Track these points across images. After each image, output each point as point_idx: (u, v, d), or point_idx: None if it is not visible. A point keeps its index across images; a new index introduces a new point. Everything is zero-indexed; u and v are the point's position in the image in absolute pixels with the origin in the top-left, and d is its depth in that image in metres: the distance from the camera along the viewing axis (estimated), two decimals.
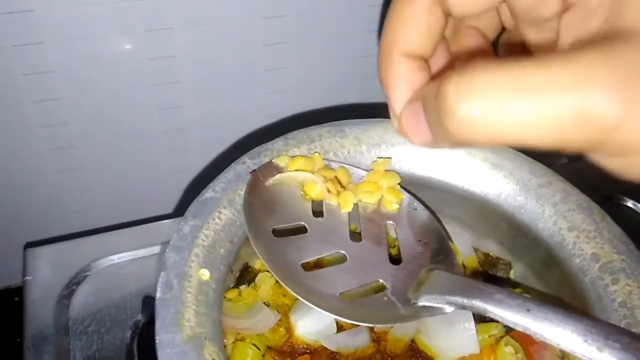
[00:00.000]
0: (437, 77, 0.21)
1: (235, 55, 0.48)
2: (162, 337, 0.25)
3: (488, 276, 0.38)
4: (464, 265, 0.40)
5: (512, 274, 0.38)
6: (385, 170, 0.35)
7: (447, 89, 0.18)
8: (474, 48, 0.27)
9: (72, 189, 0.51)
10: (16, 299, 0.55)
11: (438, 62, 0.26)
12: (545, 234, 0.33)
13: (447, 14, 0.23)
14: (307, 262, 0.30)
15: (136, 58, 0.45)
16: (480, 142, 0.19)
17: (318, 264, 0.32)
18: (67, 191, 0.51)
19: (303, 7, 0.47)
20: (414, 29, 0.23)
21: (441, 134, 0.19)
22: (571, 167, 0.59)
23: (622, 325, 0.28)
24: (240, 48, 0.47)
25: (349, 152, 0.35)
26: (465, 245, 0.40)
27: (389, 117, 0.28)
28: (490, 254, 0.38)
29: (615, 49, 0.17)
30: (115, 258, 0.46)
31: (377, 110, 0.37)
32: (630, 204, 0.54)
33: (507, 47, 0.28)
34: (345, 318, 0.29)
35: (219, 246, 0.30)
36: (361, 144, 0.35)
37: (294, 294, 0.28)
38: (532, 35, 0.25)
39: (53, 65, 0.43)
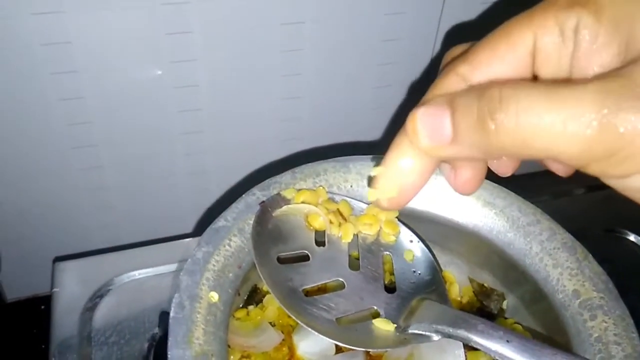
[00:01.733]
0: None
1: (254, 83, 0.51)
2: (174, 353, 0.28)
3: (482, 306, 0.41)
4: (460, 295, 0.42)
5: (504, 305, 0.40)
6: (391, 222, 0.37)
7: (492, 94, 0.20)
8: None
9: (98, 207, 0.55)
10: (42, 307, 0.58)
11: None
12: (532, 270, 0.35)
13: None
14: (308, 288, 0.33)
15: (162, 86, 0.49)
16: (511, 149, 0.20)
17: (319, 290, 0.34)
18: (94, 209, 0.55)
19: (319, 38, 0.50)
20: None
21: (473, 138, 0.21)
22: (577, 201, 0.61)
23: (597, 359, 0.30)
24: (258, 79, 0.51)
25: (351, 186, 0.38)
26: (461, 275, 0.42)
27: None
28: (485, 284, 0.41)
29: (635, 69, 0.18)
30: (137, 274, 0.49)
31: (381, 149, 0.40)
32: (632, 237, 0.56)
33: None
34: (340, 342, 0.31)
35: (228, 271, 0.33)
36: (363, 178, 0.38)
37: (293, 317, 0.31)
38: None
39: (86, 92, 0.47)
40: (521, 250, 0.36)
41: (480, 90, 0.21)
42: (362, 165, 0.38)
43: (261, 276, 0.32)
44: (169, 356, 0.28)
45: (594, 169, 0.19)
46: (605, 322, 0.31)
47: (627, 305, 0.33)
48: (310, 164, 0.38)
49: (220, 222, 0.34)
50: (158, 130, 0.52)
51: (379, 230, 0.37)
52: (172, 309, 0.30)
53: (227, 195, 0.57)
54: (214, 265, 0.32)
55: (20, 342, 0.57)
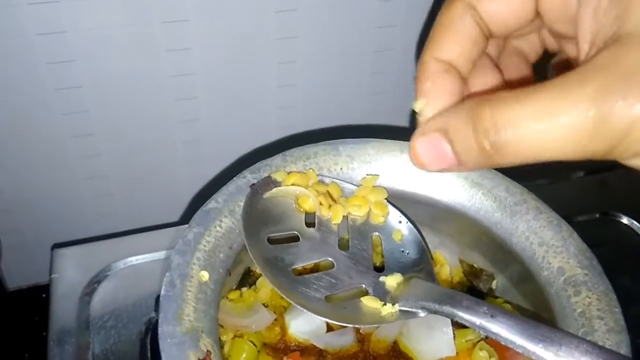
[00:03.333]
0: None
1: (249, 73, 0.52)
2: (164, 329, 0.29)
3: (472, 286, 0.41)
4: (451, 276, 0.43)
5: (494, 285, 0.41)
6: (374, 186, 0.38)
7: (484, 117, 0.21)
8: (514, 72, 0.29)
9: (97, 195, 0.56)
10: (44, 295, 0.59)
11: (485, 81, 0.28)
12: (519, 248, 0.36)
13: (488, 34, 0.25)
14: (298, 268, 0.34)
15: (158, 75, 0.49)
16: (514, 161, 0.21)
17: (309, 270, 0.35)
18: (93, 197, 0.56)
19: (314, 25, 0.50)
20: (446, 36, 0.25)
21: (475, 159, 0.22)
22: (572, 184, 0.61)
23: (579, 333, 0.31)
24: (253, 66, 0.51)
25: (341, 169, 0.39)
26: (452, 256, 0.43)
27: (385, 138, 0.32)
28: (475, 265, 0.41)
29: (619, 54, 0.19)
30: (134, 260, 0.50)
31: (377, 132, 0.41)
32: (625, 220, 0.56)
33: (557, 69, 0.30)
34: (329, 319, 0.32)
35: (219, 251, 0.33)
36: (353, 161, 0.39)
37: (283, 295, 0.32)
38: (573, 51, 0.26)
39: (82, 81, 0.48)
40: (508, 230, 0.36)
41: (471, 111, 0.21)
42: (352, 148, 0.39)
43: (251, 256, 0.33)
44: (159, 332, 0.29)
45: (598, 158, 0.20)
46: (589, 298, 0.32)
47: (619, 286, 0.33)
48: (300, 147, 0.38)
49: (211, 204, 0.35)
50: (155, 119, 0.52)
51: (369, 212, 0.37)
52: (163, 287, 0.31)
53: (219, 179, 0.57)
54: (204, 246, 0.33)
55: (21, 330, 0.58)
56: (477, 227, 0.38)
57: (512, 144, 0.20)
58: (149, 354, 0.44)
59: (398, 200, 0.40)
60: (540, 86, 0.20)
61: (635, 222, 0.56)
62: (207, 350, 0.29)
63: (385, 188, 0.38)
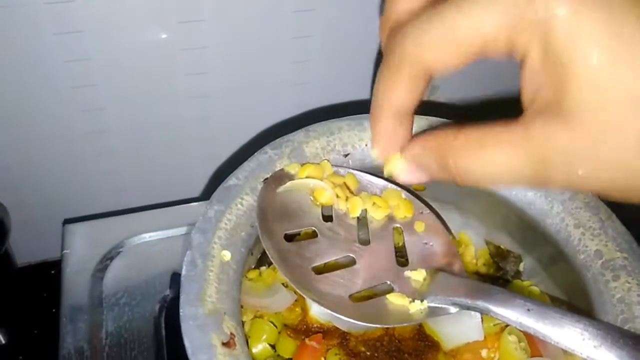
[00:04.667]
0: None
1: (263, 47, 0.50)
2: (186, 310, 0.28)
3: (498, 268, 0.40)
4: (476, 257, 0.41)
5: (521, 267, 0.39)
6: (402, 200, 0.36)
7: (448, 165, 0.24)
8: None
9: (106, 171, 0.54)
10: (52, 272, 0.58)
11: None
12: (553, 230, 0.34)
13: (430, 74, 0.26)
14: (318, 266, 0.32)
15: (169, 48, 0.47)
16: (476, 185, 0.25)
17: (328, 267, 0.33)
18: (102, 173, 0.55)
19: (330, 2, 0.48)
20: (400, 93, 0.26)
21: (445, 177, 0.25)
22: None
23: (618, 321, 0.29)
24: (268, 40, 0.49)
25: (366, 145, 0.37)
26: (478, 237, 0.41)
27: None
28: (502, 246, 0.40)
29: (555, 132, 0.21)
30: (147, 236, 0.49)
31: None
32: None
33: None
34: (354, 319, 0.30)
35: (240, 230, 0.32)
36: None
37: (305, 296, 0.30)
38: None
39: (91, 53, 0.46)
40: (542, 210, 0.35)
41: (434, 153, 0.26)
42: None
43: (269, 255, 0.31)
44: (181, 314, 0.28)
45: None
46: (629, 283, 0.30)
47: None
48: (324, 122, 0.37)
49: (231, 180, 0.33)
50: (165, 94, 0.51)
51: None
52: (184, 267, 0.29)
53: (237, 156, 0.56)
54: (225, 224, 0.31)
55: (31, 306, 0.58)
56: (506, 207, 0.37)
57: (474, 179, 0.24)
58: (163, 332, 0.44)
59: None
60: (490, 133, 0.23)
61: None
62: (231, 333, 0.28)
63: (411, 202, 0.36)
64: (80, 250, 0.47)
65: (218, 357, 0.26)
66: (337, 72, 0.54)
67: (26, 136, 0.50)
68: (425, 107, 0.29)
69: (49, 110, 0.48)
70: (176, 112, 0.52)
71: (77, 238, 0.48)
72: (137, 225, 0.49)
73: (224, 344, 0.27)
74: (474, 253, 0.41)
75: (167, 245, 0.49)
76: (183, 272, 0.29)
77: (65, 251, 0.47)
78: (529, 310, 0.28)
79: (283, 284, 0.38)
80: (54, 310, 0.46)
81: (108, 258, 0.47)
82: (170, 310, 0.45)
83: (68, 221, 0.50)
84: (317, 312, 0.36)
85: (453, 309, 0.31)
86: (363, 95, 0.55)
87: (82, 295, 0.45)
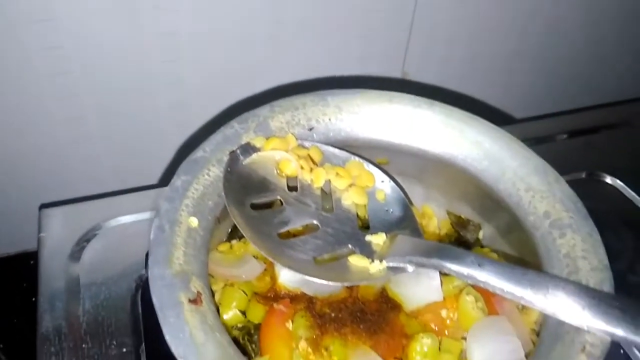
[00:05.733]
0: None
1: (235, 26, 0.50)
2: (154, 271, 0.29)
3: (459, 237, 0.42)
4: (439, 228, 0.43)
5: (480, 235, 0.41)
6: (364, 170, 0.38)
7: None
8: None
9: (83, 157, 0.55)
10: (32, 262, 0.59)
11: None
12: (505, 195, 0.36)
13: None
14: (284, 232, 0.34)
15: (143, 33, 0.48)
16: None
17: (294, 234, 0.35)
18: (79, 160, 0.56)
19: None
20: None
21: None
22: (559, 145, 0.62)
23: (564, 274, 0.31)
24: (240, 20, 0.50)
25: (330, 119, 0.39)
26: (440, 209, 0.43)
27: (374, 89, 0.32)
28: (462, 216, 0.42)
29: None
30: (123, 219, 0.50)
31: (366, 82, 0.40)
32: (609, 180, 0.57)
33: None
34: (318, 278, 0.32)
35: (207, 199, 0.33)
36: (342, 112, 0.39)
37: (271, 259, 0.32)
38: None
39: (66, 41, 0.47)
40: (495, 177, 0.37)
41: None
42: (340, 99, 0.39)
43: (236, 223, 0.33)
44: (149, 275, 0.29)
45: None
46: (574, 239, 0.32)
47: (604, 243, 0.33)
48: (288, 97, 0.38)
49: (198, 153, 0.35)
50: (140, 79, 0.52)
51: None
52: (152, 232, 0.31)
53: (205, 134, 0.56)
54: (192, 193, 0.33)
55: (10, 296, 0.58)
56: (464, 177, 0.39)
57: None
58: (140, 309, 0.45)
59: (386, 151, 0.40)
60: None
61: (618, 182, 0.57)
62: (198, 292, 0.29)
63: (372, 172, 0.38)
64: (57, 233, 0.48)
65: (185, 313, 0.28)
66: (312, 48, 0.55)
67: (2, 124, 0.50)
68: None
69: (25, 98, 0.49)
70: (152, 98, 0.53)
71: (53, 221, 0.49)
72: (113, 209, 0.50)
73: (191, 301, 0.28)
74: (437, 224, 0.43)
75: (142, 227, 0.50)
76: (151, 237, 0.30)
77: (41, 234, 0.48)
78: (479, 265, 0.30)
79: (254, 256, 0.39)
80: (33, 299, 0.47)
81: (84, 240, 0.48)
82: (147, 289, 0.45)
83: (44, 206, 0.51)
84: (285, 280, 0.37)
85: (410, 268, 0.32)
86: (328, 72, 0.56)
87: (59, 276, 0.46)
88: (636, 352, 0.43)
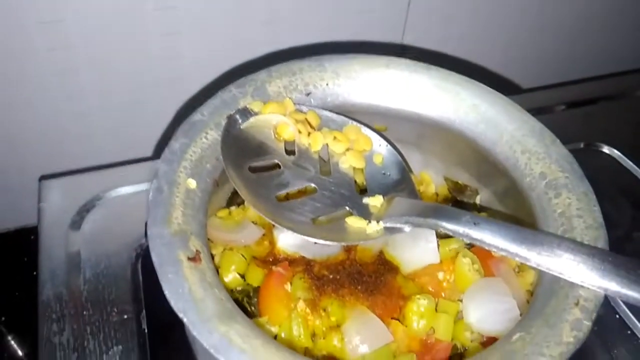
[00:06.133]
0: None
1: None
2: (153, 231, 0.29)
3: (456, 202, 0.42)
4: (436, 194, 0.43)
5: (477, 200, 0.41)
6: (362, 134, 0.38)
7: None
8: None
9: (81, 133, 0.55)
10: (32, 237, 0.59)
11: None
12: (502, 157, 0.36)
13: None
14: (281, 195, 0.34)
15: (142, 7, 0.48)
16: None
17: (292, 197, 0.35)
18: (79, 135, 0.55)
19: None
20: None
21: None
22: (558, 117, 0.62)
23: (559, 232, 0.32)
24: None
25: (327, 84, 0.39)
26: (437, 176, 0.43)
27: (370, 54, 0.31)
28: (459, 182, 0.42)
29: None
30: (122, 190, 0.50)
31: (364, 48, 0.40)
32: (606, 150, 0.58)
33: None
34: (316, 238, 0.33)
35: (206, 161, 0.33)
36: (339, 77, 0.39)
37: (269, 220, 0.32)
38: None
39: (65, 15, 0.46)
40: (492, 140, 0.37)
41: None
42: (337, 64, 0.39)
43: (234, 185, 0.33)
44: (148, 234, 0.29)
45: None
46: (569, 199, 0.33)
47: (602, 212, 0.33)
48: (285, 62, 0.38)
49: (196, 116, 0.35)
50: (140, 53, 0.51)
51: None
52: (151, 193, 0.31)
53: (203, 95, 0.56)
54: (191, 155, 0.33)
55: (11, 270, 0.58)
56: (461, 141, 0.39)
57: None
58: (140, 277, 0.45)
59: (384, 117, 0.40)
60: None
61: (616, 152, 0.57)
62: (197, 250, 0.29)
63: (370, 136, 0.38)
64: (57, 203, 0.49)
65: (184, 270, 0.28)
66: (311, 12, 0.54)
67: (2, 99, 0.50)
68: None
69: (23, 74, 0.49)
70: (150, 72, 0.53)
71: (53, 192, 0.49)
72: (112, 180, 0.50)
73: (190, 259, 0.29)
74: (435, 190, 0.43)
75: (142, 198, 0.50)
76: (149, 197, 0.31)
77: (41, 204, 0.48)
78: (475, 223, 0.30)
79: (253, 222, 0.39)
80: (35, 273, 0.47)
81: (85, 210, 0.48)
82: (147, 257, 0.46)
83: (44, 177, 0.51)
84: (284, 244, 0.37)
85: (407, 228, 0.33)
86: (324, 38, 0.56)
87: (60, 245, 0.46)
88: (631, 316, 0.44)
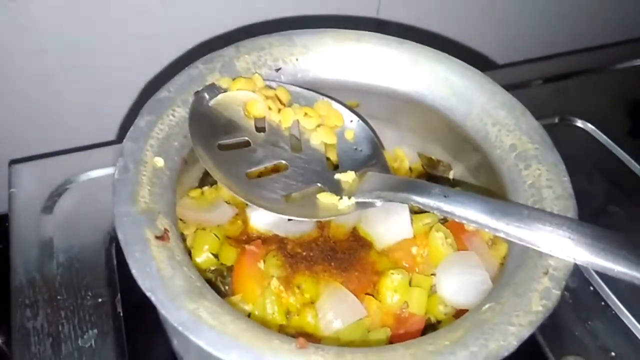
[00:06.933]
0: None
1: None
2: (119, 209, 0.29)
3: (429, 177, 0.42)
4: (410, 169, 0.43)
5: (451, 175, 0.41)
6: (333, 110, 0.37)
7: None
8: None
9: (54, 114, 0.54)
10: (6, 224, 0.58)
11: None
12: (473, 131, 0.36)
13: None
14: (252, 172, 0.34)
15: None
16: None
17: (263, 174, 0.35)
18: (50, 117, 0.54)
19: None
20: None
21: None
22: (533, 91, 0.62)
23: (529, 202, 0.32)
24: None
25: (297, 60, 0.38)
26: (412, 152, 0.43)
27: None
28: (433, 157, 0.42)
29: None
30: (94, 174, 0.49)
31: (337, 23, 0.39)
32: (580, 124, 0.58)
33: None
34: (288, 214, 0.33)
35: (173, 139, 0.33)
36: (309, 52, 0.38)
37: (240, 198, 0.32)
38: None
39: None
40: (463, 113, 0.37)
41: None
42: (307, 39, 0.38)
43: (203, 163, 0.32)
44: (114, 213, 0.29)
45: None
46: (539, 170, 0.33)
47: (575, 185, 0.33)
48: (254, 38, 0.38)
49: (162, 93, 0.34)
50: (110, 33, 0.50)
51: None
52: (116, 171, 0.30)
53: (169, 71, 0.55)
54: (157, 133, 0.32)
55: None
56: (435, 116, 0.39)
57: None
58: (114, 260, 0.45)
59: (356, 93, 0.39)
60: None
61: (589, 125, 0.58)
62: (165, 229, 0.29)
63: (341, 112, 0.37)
64: (28, 188, 0.48)
65: (152, 249, 0.28)
66: None
67: None
68: None
69: None
70: (122, 55, 0.52)
71: (24, 176, 0.48)
72: (84, 163, 0.50)
73: (158, 237, 0.28)
74: (408, 166, 0.43)
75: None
76: (115, 176, 0.30)
77: (12, 190, 0.47)
78: (445, 196, 0.30)
79: (226, 201, 0.39)
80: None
81: (56, 195, 0.48)
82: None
83: (14, 162, 0.50)
84: (257, 222, 0.37)
85: (379, 203, 0.33)
86: (296, 12, 0.55)
87: (31, 231, 0.45)
88: (605, 288, 0.44)
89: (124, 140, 0.32)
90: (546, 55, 0.69)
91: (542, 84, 0.63)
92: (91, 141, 0.56)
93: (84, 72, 0.52)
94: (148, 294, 0.26)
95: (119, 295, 0.43)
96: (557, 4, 0.67)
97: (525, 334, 0.26)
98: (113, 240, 0.46)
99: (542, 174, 0.32)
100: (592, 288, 0.45)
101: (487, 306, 0.28)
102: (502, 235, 0.29)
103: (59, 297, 0.42)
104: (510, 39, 0.69)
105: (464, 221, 0.30)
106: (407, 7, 0.59)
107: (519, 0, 0.66)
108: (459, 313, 0.35)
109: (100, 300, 0.42)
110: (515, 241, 0.29)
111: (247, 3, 0.51)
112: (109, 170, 0.49)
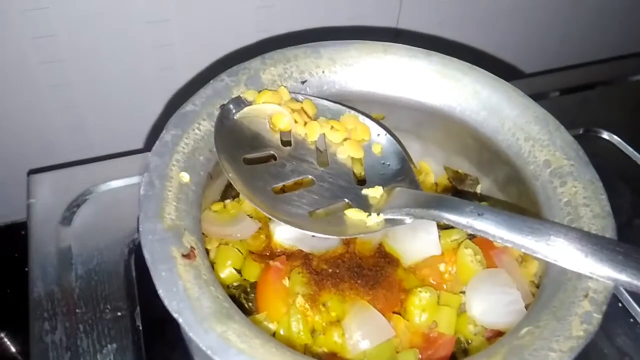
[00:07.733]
0: None
1: None
2: (145, 226, 0.28)
3: (457, 192, 0.41)
4: (436, 183, 0.42)
5: (478, 189, 0.40)
6: (360, 124, 0.37)
7: None
8: None
9: (72, 124, 0.54)
10: (22, 232, 0.58)
11: None
12: (505, 145, 0.35)
13: None
14: (277, 187, 0.33)
15: None
16: None
17: (289, 189, 0.34)
18: (68, 127, 0.54)
19: None
20: None
21: None
22: (553, 103, 0.61)
23: (566, 222, 0.31)
24: None
25: (323, 72, 0.37)
26: (437, 165, 0.42)
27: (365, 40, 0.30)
28: (459, 170, 0.41)
29: None
30: (113, 184, 0.49)
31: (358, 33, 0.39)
32: (605, 135, 0.57)
33: None
34: (314, 232, 0.32)
35: (199, 154, 0.32)
36: (335, 64, 0.37)
37: (266, 214, 0.31)
38: None
39: (49, 2, 0.45)
40: (494, 128, 0.36)
41: None
42: (333, 50, 0.38)
43: (228, 177, 0.31)
44: (140, 230, 0.28)
45: None
46: (575, 187, 0.32)
47: None
48: (280, 49, 0.37)
49: (188, 106, 0.33)
50: (127, 43, 0.50)
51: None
52: (142, 187, 0.30)
53: (194, 84, 0.55)
54: (183, 148, 0.32)
55: (2, 267, 0.57)
56: (462, 130, 0.38)
57: None
58: (133, 273, 0.44)
59: (382, 105, 0.39)
60: None
61: (615, 137, 0.57)
62: (191, 247, 0.28)
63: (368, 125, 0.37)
64: (47, 198, 0.47)
65: (178, 267, 0.27)
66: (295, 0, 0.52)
67: None
68: None
69: (9, 64, 0.47)
70: (138, 61, 0.51)
71: (43, 187, 0.48)
72: (103, 173, 0.49)
73: (184, 256, 0.27)
74: (434, 180, 0.42)
75: (133, 191, 0.48)
76: (141, 192, 0.29)
77: (31, 200, 0.47)
78: (478, 214, 0.29)
79: (249, 215, 0.38)
80: (26, 269, 0.46)
81: (75, 205, 0.47)
82: (140, 252, 0.45)
83: (33, 172, 0.50)
84: (281, 237, 0.36)
85: (408, 220, 0.32)
86: (317, 23, 0.54)
87: (50, 242, 0.45)
88: (634, 304, 0.43)
89: (150, 155, 0.31)
90: (567, 65, 0.68)
91: (565, 95, 0.62)
92: (110, 151, 0.56)
93: (104, 80, 0.52)
94: (175, 315, 0.26)
95: (138, 308, 0.42)
96: (580, 13, 0.66)
97: None
98: (132, 251, 0.45)
99: (578, 191, 0.31)
100: (620, 304, 0.44)
101: (525, 330, 0.27)
102: (539, 256, 0.28)
103: (77, 310, 0.41)
104: (531, 49, 0.68)
105: (498, 240, 0.29)
106: (426, 17, 0.59)
107: (539, 10, 0.65)
108: (490, 333, 0.34)
109: (119, 313, 0.41)
110: (553, 262, 0.28)
111: (268, 15, 0.51)
112: (127, 181, 0.49)
